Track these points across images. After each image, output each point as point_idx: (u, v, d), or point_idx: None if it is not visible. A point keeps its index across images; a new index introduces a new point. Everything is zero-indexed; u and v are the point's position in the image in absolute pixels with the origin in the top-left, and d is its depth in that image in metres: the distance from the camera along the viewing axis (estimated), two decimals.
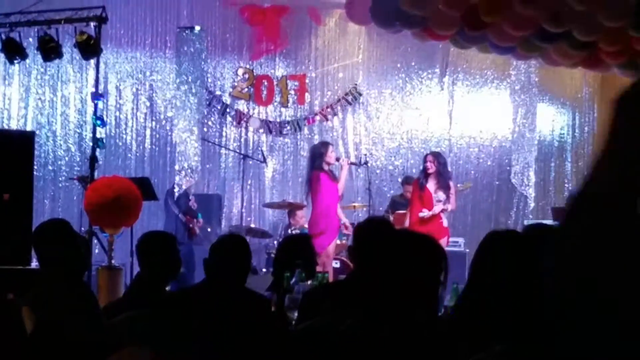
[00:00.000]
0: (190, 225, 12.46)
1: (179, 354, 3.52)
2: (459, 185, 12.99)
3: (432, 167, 11.31)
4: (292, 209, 12.89)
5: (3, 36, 10.23)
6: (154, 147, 13.82)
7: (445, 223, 11.47)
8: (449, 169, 12.23)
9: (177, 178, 13.07)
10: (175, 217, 12.50)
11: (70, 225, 5.20)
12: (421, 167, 11.74)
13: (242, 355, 4.23)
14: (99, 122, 10.34)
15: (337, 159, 11.40)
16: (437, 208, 11.22)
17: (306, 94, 14.47)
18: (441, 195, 11.24)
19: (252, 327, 4.39)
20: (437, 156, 11.59)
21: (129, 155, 13.68)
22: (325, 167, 10.97)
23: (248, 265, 4.97)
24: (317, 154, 11.16)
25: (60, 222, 5.35)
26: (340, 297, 4.18)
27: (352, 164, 12.01)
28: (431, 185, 11.29)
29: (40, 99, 13.21)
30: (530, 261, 3.25)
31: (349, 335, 3.06)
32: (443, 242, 11.10)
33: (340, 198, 11.31)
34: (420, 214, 11.24)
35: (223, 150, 14.13)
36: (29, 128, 12.85)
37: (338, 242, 11.46)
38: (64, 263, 4.83)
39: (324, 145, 11.41)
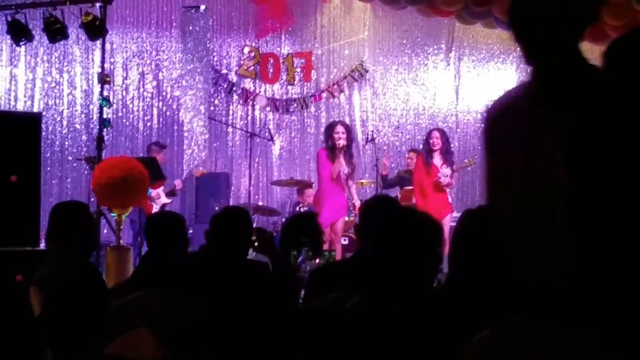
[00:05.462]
0: None
1: (186, 333, 3.54)
2: (465, 160, 13.00)
3: (438, 144, 11.29)
4: (300, 186, 12.89)
5: (9, 18, 10.21)
6: (160, 126, 13.85)
7: (450, 199, 11.48)
8: (456, 144, 12.20)
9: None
10: None
11: (89, 208, 5.23)
12: (423, 143, 11.70)
13: (249, 327, 4.22)
14: (105, 102, 10.34)
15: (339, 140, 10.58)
16: (445, 180, 11.22)
17: (312, 72, 14.46)
18: (448, 170, 11.24)
19: (257, 297, 4.37)
20: (443, 132, 11.59)
21: (136, 135, 13.71)
22: (332, 146, 10.73)
23: (249, 236, 4.89)
24: (325, 132, 11.06)
25: (80, 204, 5.38)
26: (346, 275, 4.18)
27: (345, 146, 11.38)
28: (437, 160, 11.27)
29: (46, 80, 13.23)
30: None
31: (355, 314, 3.08)
32: (448, 218, 11.13)
33: (335, 178, 10.75)
34: (440, 178, 11.13)
35: (230, 129, 14.15)
36: (35, 109, 12.88)
37: (347, 219, 11.41)
38: (76, 244, 4.85)
39: (331, 124, 11.23)
